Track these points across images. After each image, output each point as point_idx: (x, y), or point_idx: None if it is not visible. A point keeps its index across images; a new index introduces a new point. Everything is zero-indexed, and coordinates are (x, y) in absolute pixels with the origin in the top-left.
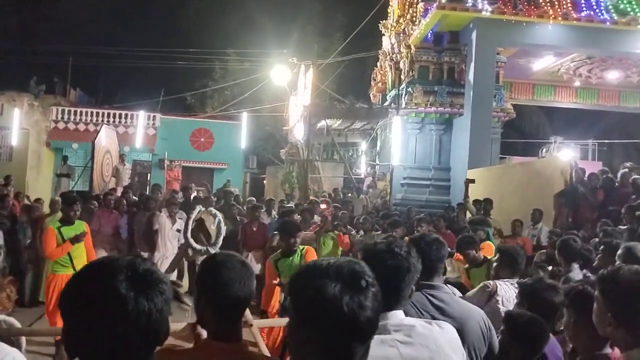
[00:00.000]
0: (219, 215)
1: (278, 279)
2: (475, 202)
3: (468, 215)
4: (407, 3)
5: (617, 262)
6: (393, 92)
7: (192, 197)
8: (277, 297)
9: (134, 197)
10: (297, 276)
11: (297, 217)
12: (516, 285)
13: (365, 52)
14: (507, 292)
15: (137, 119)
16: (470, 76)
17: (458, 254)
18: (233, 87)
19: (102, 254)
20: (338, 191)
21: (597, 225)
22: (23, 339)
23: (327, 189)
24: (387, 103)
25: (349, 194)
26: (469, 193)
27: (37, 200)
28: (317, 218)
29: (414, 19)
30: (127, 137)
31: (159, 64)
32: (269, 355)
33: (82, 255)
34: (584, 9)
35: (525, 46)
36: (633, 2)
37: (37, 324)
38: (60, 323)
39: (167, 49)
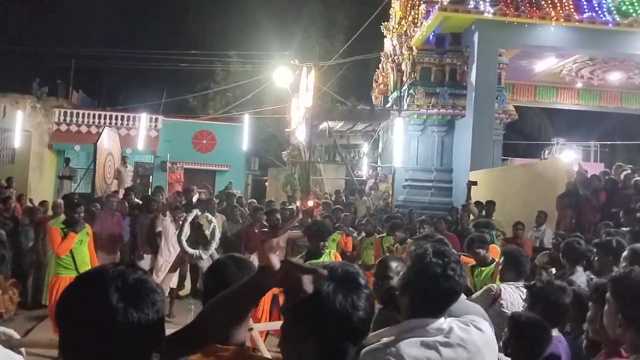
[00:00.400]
0: (214, 221)
1: None
2: (478, 204)
3: (470, 217)
4: (409, 5)
5: (623, 264)
6: (395, 94)
7: (194, 199)
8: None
9: (137, 200)
10: None
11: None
12: (521, 289)
13: (367, 54)
14: (512, 296)
15: (139, 121)
16: (472, 78)
17: (463, 256)
18: (235, 89)
19: (104, 256)
20: (340, 193)
21: (600, 227)
22: (22, 349)
23: (329, 190)
24: (389, 105)
25: (351, 196)
26: (471, 195)
27: (43, 203)
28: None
29: (416, 20)
30: (129, 139)
31: (161, 66)
32: (270, 358)
33: (85, 258)
34: (586, 10)
35: (527, 48)
36: (635, 4)
37: (39, 327)
38: None
39: (170, 51)
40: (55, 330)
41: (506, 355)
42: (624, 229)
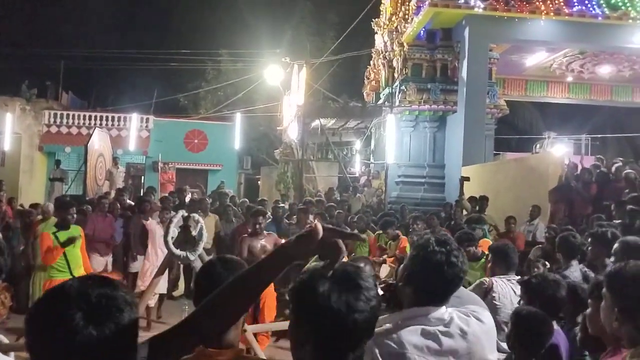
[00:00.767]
0: (201, 222)
1: None
2: (471, 199)
3: (464, 212)
4: (400, 1)
5: (613, 258)
6: (386, 91)
7: (186, 199)
8: None
9: (129, 201)
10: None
11: (267, 217)
12: (513, 282)
13: (358, 50)
14: (504, 289)
15: (130, 122)
16: (464, 73)
17: None
18: (226, 87)
19: (97, 258)
20: (333, 190)
21: (592, 220)
22: (12, 354)
23: (322, 188)
24: (380, 101)
25: (345, 194)
26: (464, 190)
27: (35, 205)
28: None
29: (407, 16)
30: (120, 140)
31: (151, 66)
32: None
33: (78, 260)
34: (576, 4)
35: (518, 42)
36: None
37: None
38: None
39: (160, 50)
40: None
41: (510, 348)
42: (616, 221)
